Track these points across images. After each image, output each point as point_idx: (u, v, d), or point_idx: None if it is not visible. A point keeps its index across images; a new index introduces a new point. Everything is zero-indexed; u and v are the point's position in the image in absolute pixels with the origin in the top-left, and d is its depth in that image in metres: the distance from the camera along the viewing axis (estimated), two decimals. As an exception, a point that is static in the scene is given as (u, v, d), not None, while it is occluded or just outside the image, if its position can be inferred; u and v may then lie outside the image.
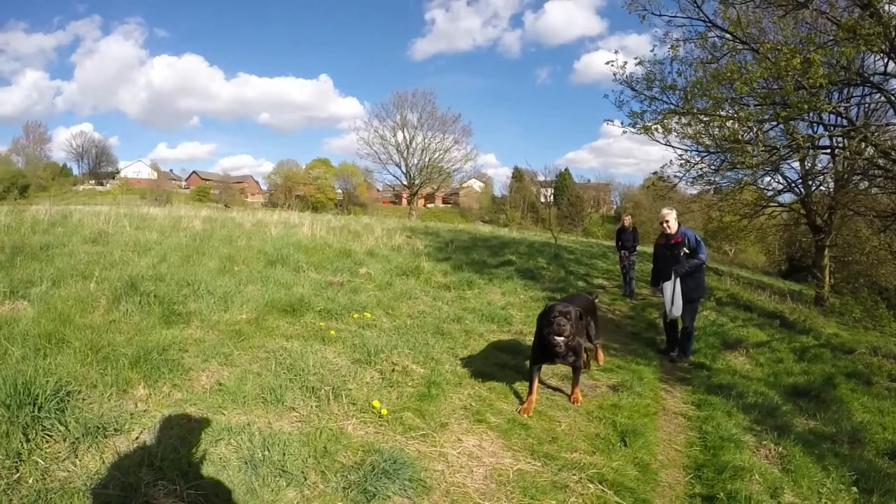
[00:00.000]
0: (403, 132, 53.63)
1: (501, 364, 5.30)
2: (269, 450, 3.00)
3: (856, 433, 4.86)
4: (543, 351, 4.56)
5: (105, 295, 4.80)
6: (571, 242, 25.21)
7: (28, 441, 2.67)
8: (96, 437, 2.84)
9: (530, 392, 4.54)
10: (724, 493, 3.39)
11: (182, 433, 3.04)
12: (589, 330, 5.44)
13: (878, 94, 9.63)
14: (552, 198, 65.47)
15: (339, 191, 68.00)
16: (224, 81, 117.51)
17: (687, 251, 6.64)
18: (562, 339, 4.34)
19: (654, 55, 10.37)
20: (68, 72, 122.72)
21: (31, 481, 2.49)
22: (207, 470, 2.76)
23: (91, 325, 4.13)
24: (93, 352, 3.61)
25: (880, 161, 10.24)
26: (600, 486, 3.26)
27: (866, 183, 14.14)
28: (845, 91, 10.83)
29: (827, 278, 16.59)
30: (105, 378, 3.33)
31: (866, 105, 12.02)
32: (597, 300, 6.76)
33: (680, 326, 7.00)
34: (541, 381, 4.90)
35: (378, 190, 71.98)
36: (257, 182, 78.30)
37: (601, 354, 6.14)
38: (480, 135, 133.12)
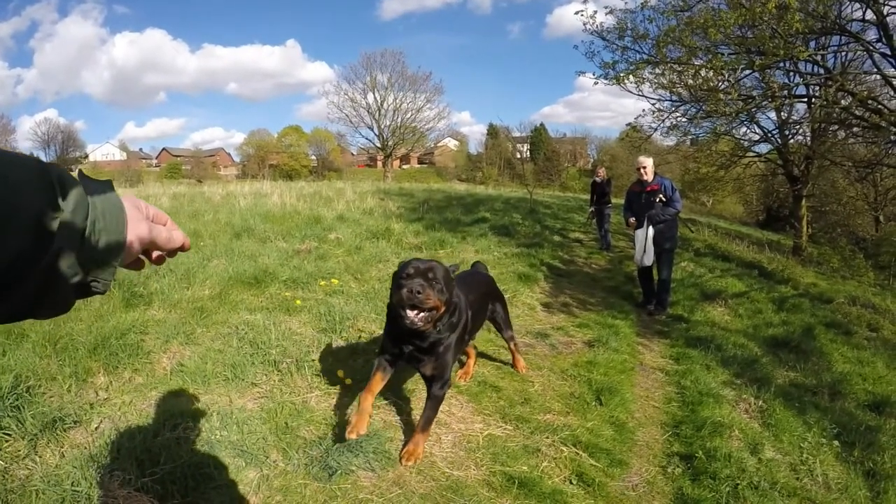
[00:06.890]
0: (374, 94, 52.22)
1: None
2: (227, 430, 2.87)
3: (836, 384, 4.88)
4: (392, 336, 2.89)
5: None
6: (548, 197, 25.09)
7: (-14, 443, 2.55)
8: (55, 431, 2.72)
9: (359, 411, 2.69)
10: (702, 450, 3.32)
11: (141, 419, 2.91)
12: (496, 317, 3.98)
13: (856, 44, 9.48)
14: (528, 153, 64.89)
15: (313, 157, 66.69)
16: (189, 54, 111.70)
17: (663, 199, 6.56)
18: (419, 315, 2.61)
19: (626, 4, 10.10)
20: (27, 58, 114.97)
21: (-10, 482, 2.38)
22: (164, 456, 2.62)
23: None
24: (51, 343, 3.45)
25: (857, 110, 10.20)
26: (574, 449, 3.17)
27: (843, 132, 14.09)
28: (822, 40, 10.68)
29: (804, 228, 16.78)
30: (64, 369, 3.20)
31: (843, 54, 11.86)
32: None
33: (656, 278, 6.96)
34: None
35: (352, 154, 70.62)
36: (229, 154, 76.04)
37: (520, 359, 4.31)
38: (454, 93, 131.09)
